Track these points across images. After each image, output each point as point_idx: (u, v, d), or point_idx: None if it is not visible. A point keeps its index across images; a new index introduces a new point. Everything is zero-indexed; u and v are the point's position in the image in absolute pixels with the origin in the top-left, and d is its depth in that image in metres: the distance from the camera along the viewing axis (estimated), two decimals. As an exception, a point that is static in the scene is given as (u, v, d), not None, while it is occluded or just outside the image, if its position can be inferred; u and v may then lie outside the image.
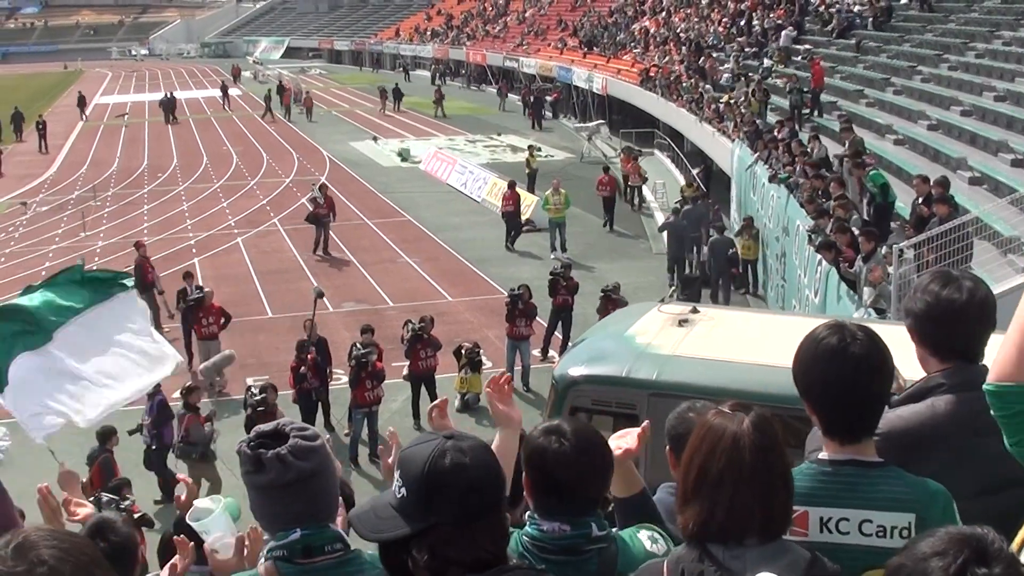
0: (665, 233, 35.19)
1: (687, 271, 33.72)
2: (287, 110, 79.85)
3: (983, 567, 2.85)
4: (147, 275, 30.24)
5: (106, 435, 19.01)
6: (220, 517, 4.88)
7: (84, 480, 19.02)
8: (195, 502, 5.33)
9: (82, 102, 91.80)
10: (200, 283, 29.41)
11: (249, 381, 22.97)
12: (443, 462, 3.43)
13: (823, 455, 4.24)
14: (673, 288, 30.08)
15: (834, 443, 4.24)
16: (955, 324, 4.50)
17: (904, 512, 4.10)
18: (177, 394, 20.88)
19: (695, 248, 33.87)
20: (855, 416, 4.20)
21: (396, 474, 3.56)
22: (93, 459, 19.03)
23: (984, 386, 3.63)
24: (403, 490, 3.49)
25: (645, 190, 48.08)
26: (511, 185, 42.45)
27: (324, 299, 26.67)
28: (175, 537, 5.72)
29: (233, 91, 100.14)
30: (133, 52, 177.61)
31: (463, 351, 24.59)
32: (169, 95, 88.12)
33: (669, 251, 34.17)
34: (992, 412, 3.62)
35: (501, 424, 5.13)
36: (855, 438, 4.22)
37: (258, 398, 20.14)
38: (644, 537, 4.42)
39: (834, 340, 4.24)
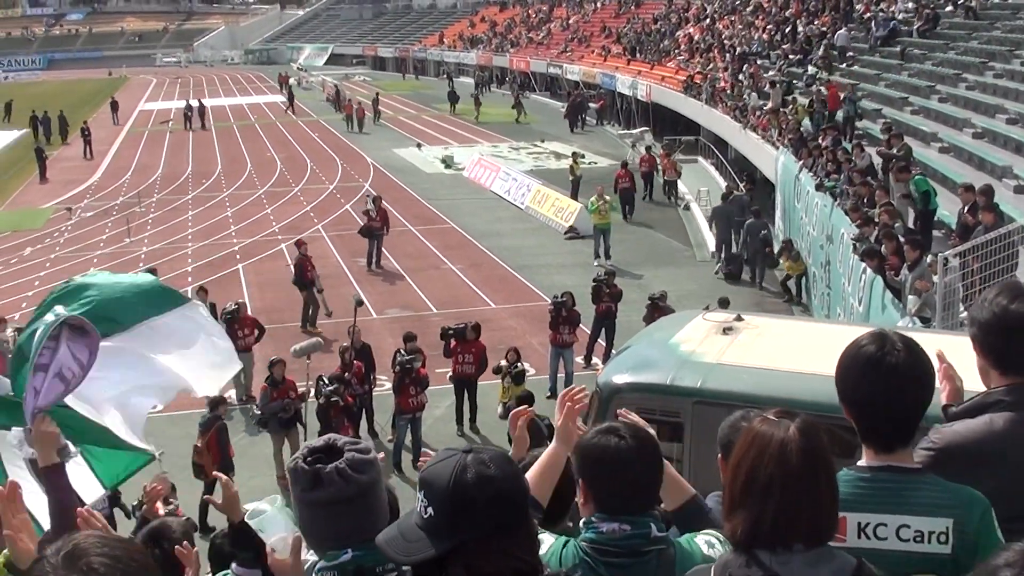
0: (714, 221, 38.43)
1: (733, 250, 36.29)
2: (355, 122, 78.84)
3: None
4: (307, 273, 31.22)
5: (217, 403, 20.04)
6: (276, 516, 4.91)
7: (199, 444, 19.88)
8: (249, 505, 5.34)
9: (115, 107, 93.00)
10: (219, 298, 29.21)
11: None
12: (467, 477, 3.42)
13: (861, 462, 4.27)
14: (720, 265, 36.12)
15: (872, 450, 4.27)
16: (1022, 339, 4.46)
17: (942, 518, 4.12)
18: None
19: (740, 231, 36.00)
20: (893, 425, 4.22)
21: (420, 494, 3.53)
22: (206, 427, 19.99)
23: None
24: (429, 510, 3.47)
25: (681, 186, 49.93)
26: (623, 164, 47.53)
27: (367, 305, 26.81)
28: (176, 548, 5.74)
29: (279, 98, 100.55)
30: (176, 59, 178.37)
31: (503, 368, 24.21)
32: (198, 102, 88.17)
33: (718, 233, 37.65)
34: None
35: (560, 439, 5.13)
36: (892, 446, 4.25)
37: (331, 388, 20.57)
38: (702, 542, 4.46)
39: (873, 348, 4.27)
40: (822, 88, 41.87)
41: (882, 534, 4.11)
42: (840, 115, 37.89)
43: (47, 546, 2.97)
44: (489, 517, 3.40)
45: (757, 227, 35.25)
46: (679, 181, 49.91)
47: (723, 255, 36.71)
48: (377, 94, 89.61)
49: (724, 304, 27.29)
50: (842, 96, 38.77)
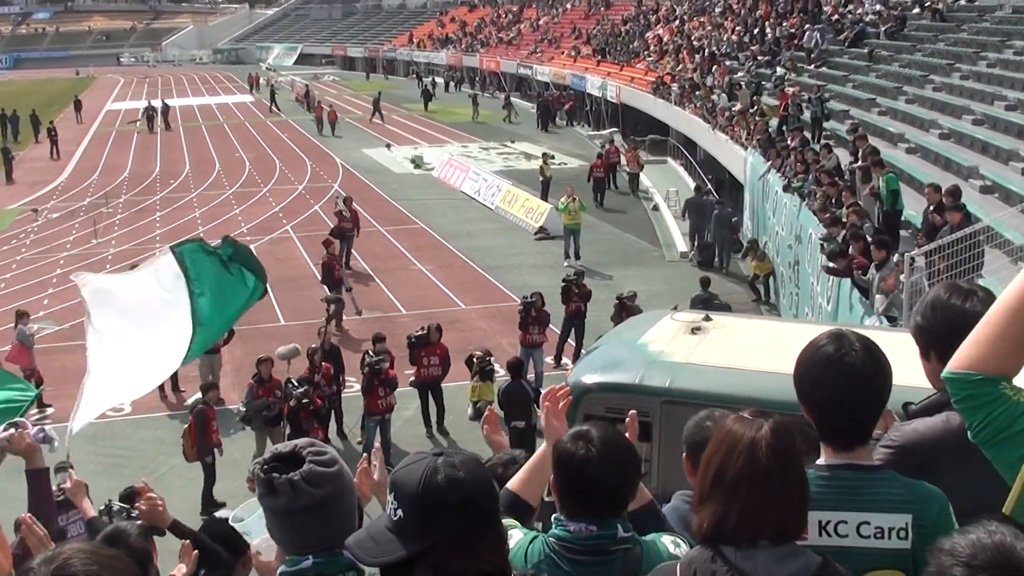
0: (687, 212, 40.28)
1: (705, 239, 37.97)
2: (326, 125, 78.11)
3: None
4: (335, 272, 31.43)
5: (207, 388, 20.95)
6: (261, 519, 4.92)
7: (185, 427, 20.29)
8: (240, 506, 5.35)
9: (78, 106, 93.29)
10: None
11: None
12: (437, 479, 3.44)
13: (821, 460, 4.30)
14: (693, 253, 37.83)
15: (831, 449, 4.31)
16: None
17: (901, 513, 4.18)
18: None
19: (710, 221, 37.75)
20: (852, 424, 4.26)
21: (390, 496, 3.55)
22: (190, 411, 20.88)
23: (942, 374, 3.69)
24: (399, 512, 3.49)
25: (644, 179, 52.51)
26: (599, 156, 51.61)
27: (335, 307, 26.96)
28: (184, 542, 5.74)
29: (248, 98, 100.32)
30: (133, 59, 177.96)
31: (475, 360, 24.56)
32: (161, 102, 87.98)
33: (691, 223, 39.26)
34: (951, 401, 3.67)
35: (549, 439, 5.15)
36: (851, 445, 4.29)
37: (301, 391, 20.69)
38: (668, 541, 4.48)
39: (832, 349, 4.32)
40: (790, 89, 42.01)
41: (843, 531, 4.14)
42: (807, 116, 37.96)
43: (25, 561, 2.94)
44: (458, 519, 3.42)
45: (726, 216, 37.30)
46: (642, 175, 52.48)
47: (696, 244, 38.14)
48: (379, 93, 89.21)
49: (705, 284, 27.94)
50: (807, 97, 38.85)
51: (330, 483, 4.05)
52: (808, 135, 35.43)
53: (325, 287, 31.84)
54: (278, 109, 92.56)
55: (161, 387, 23.55)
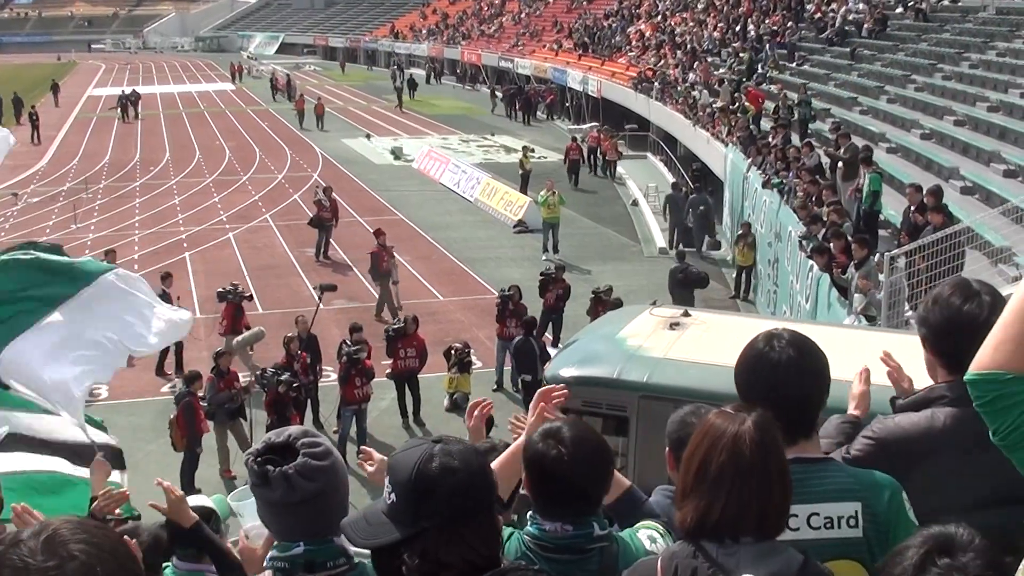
0: (667, 206, 40.75)
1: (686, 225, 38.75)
2: (314, 119, 76.33)
3: (945, 557, 2.97)
4: (382, 263, 30.99)
5: (191, 378, 20.73)
6: (254, 505, 4.87)
7: (171, 417, 20.27)
8: (238, 489, 5.29)
9: (56, 89, 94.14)
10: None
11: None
12: (431, 466, 3.45)
13: None
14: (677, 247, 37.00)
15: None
16: (973, 340, 4.49)
17: (849, 502, 4.23)
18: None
19: (689, 214, 38.71)
20: (786, 419, 4.20)
21: (386, 480, 3.57)
22: (176, 401, 20.72)
23: (965, 377, 3.66)
24: (393, 496, 3.52)
25: (623, 173, 54.06)
26: (573, 139, 54.69)
27: (313, 295, 26.96)
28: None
29: (228, 86, 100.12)
30: (105, 46, 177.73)
31: (453, 352, 24.60)
32: (132, 91, 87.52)
33: (671, 218, 39.78)
34: (975, 404, 3.64)
35: (528, 434, 5.13)
36: (793, 439, 4.30)
37: (283, 377, 20.86)
38: (644, 536, 4.46)
39: (760, 346, 4.47)
40: (771, 87, 42.00)
41: (794, 524, 4.13)
42: (795, 116, 37.94)
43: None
44: (450, 506, 3.43)
45: (699, 201, 38.36)
46: (623, 169, 54.39)
47: (675, 240, 38.63)
48: (410, 76, 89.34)
49: (681, 257, 28.70)
50: (797, 99, 38.82)
51: (324, 476, 4.06)
52: (795, 135, 35.42)
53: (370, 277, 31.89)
54: (289, 99, 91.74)
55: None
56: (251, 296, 28.54)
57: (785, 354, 4.37)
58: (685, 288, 28.16)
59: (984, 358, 3.54)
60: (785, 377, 4.34)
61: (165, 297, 20.30)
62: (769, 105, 41.02)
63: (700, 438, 3.78)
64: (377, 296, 31.17)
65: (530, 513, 4.35)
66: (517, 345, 23.84)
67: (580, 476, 4.23)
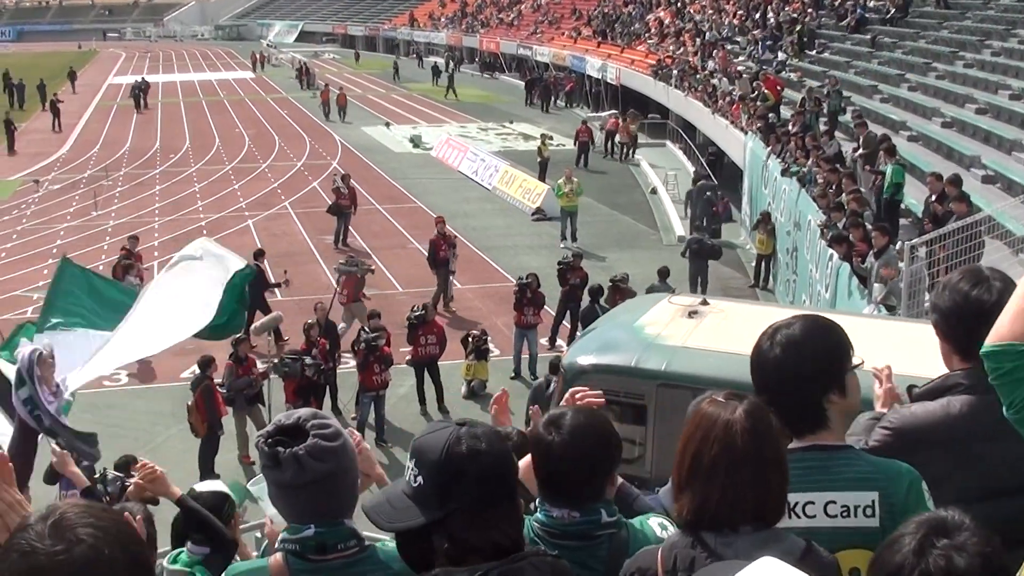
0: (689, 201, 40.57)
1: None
2: (335, 110, 75.02)
3: (943, 538, 2.96)
4: (440, 251, 30.79)
5: (206, 363, 20.70)
6: None
7: (189, 403, 20.35)
8: (258, 476, 5.31)
9: (73, 77, 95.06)
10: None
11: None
12: (460, 448, 3.45)
13: (791, 444, 4.27)
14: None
15: (794, 435, 4.28)
16: (982, 325, 4.48)
17: (867, 491, 4.18)
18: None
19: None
20: (795, 413, 4.23)
21: (410, 463, 3.56)
22: (194, 387, 20.64)
23: (981, 351, 3.64)
24: (419, 478, 3.51)
25: (637, 155, 55.46)
26: (584, 122, 56.07)
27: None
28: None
29: (248, 74, 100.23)
30: (118, 35, 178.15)
31: (471, 339, 24.63)
32: (137, 80, 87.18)
33: (693, 211, 39.35)
34: (990, 379, 3.62)
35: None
36: (812, 429, 4.29)
37: (312, 363, 21.10)
38: (655, 524, 4.44)
39: (762, 343, 4.45)
40: (791, 75, 41.84)
41: (811, 512, 4.13)
42: (826, 108, 37.73)
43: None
44: (478, 489, 3.43)
45: (706, 187, 38.91)
46: (642, 160, 54.20)
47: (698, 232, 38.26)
48: (455, 61, 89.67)
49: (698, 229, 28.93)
50: (826, 91, 38.61)
51: (334, 457, 4.04)
52: (823, 126, 35.25)
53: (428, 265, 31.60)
54: (309, 87, 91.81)
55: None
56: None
57: (777, 353, 4.34)
58: (700, 258, 28.49)
59: (1001, 329, 3.56)
60: (780, 376, 4.31)
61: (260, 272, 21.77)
62: (796, 96, 40.77)
63: (692, 429, 3.77)
64: (435, 286, 30.99)
65: (538, 500, 4.35)
66: (584, 312, 24.36)
67: (571, 464, 4.20)
